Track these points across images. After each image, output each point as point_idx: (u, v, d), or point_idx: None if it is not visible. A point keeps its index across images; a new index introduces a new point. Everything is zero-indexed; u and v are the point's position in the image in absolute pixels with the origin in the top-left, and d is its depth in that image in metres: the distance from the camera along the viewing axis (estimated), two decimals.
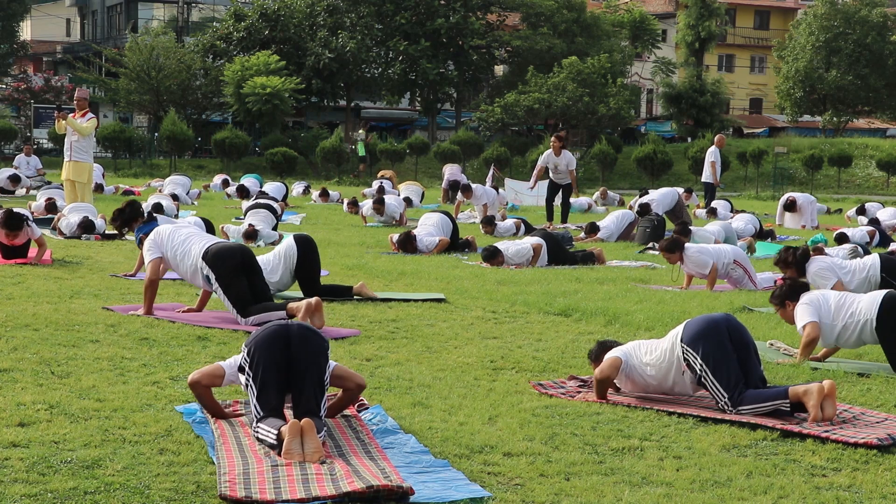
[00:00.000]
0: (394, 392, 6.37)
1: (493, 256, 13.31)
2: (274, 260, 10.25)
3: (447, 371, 7.01)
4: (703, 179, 23.88)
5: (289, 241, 10.40)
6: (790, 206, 22.12)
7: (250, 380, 5.34)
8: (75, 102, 17.59)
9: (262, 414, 5.26)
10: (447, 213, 15.99)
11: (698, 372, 6.08)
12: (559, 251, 13.90)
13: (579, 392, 6.52)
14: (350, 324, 8.74)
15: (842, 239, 15.93)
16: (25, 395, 5.92)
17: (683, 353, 6.14)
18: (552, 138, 21.50)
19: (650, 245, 16.08)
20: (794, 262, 9.80)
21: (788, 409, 5.86)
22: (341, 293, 10.13)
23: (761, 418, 5.84)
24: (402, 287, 11.07)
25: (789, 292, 7.78)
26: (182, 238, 9.02)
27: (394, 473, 4.69)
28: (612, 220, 18.34)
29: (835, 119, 55.87)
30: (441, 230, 15.09)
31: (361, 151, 38.75)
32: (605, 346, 6.61)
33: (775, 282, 10.83)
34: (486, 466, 4.95)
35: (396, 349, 7.72)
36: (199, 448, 5.08)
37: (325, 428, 5.27)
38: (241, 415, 5.69)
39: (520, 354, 7.66)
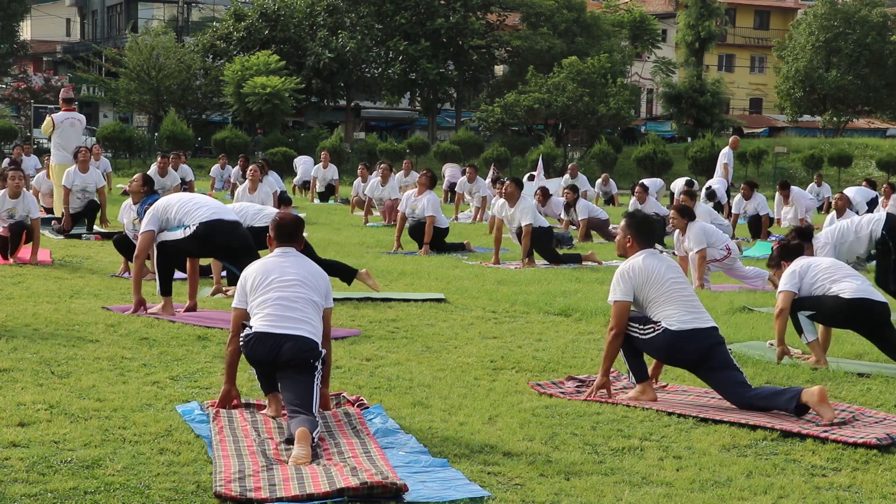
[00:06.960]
0: (394, 392, 6.37)
1: None
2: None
3: (447, 371, 7.01)
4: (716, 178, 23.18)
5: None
6: (785, 195, 21.00)
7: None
8: (61, 101, 17.69)
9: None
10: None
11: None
12: (546, 246, 13.82)
13: (578, 392, 6.52)
14: (350, 324, 8.74)
15: None
16: (25, 395, 5.92)
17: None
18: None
19: None
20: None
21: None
22: (344, 273, 10.14)
23: (761, 418, 5.84)
24: (402, 287, 11.07)
25: (782, 253, 8.04)
26: (190, 204, 8.86)
27: (389, 471, 4.70)
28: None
29: (835, 119, 55.80)
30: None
31: None
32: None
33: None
34: (486, 466, 4.95)
35: (396, 349, 7.72)
36: (199, 448, 5.08)
37: (321, 424, 5.35)
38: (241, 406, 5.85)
39: (520, 354, 7.66)
